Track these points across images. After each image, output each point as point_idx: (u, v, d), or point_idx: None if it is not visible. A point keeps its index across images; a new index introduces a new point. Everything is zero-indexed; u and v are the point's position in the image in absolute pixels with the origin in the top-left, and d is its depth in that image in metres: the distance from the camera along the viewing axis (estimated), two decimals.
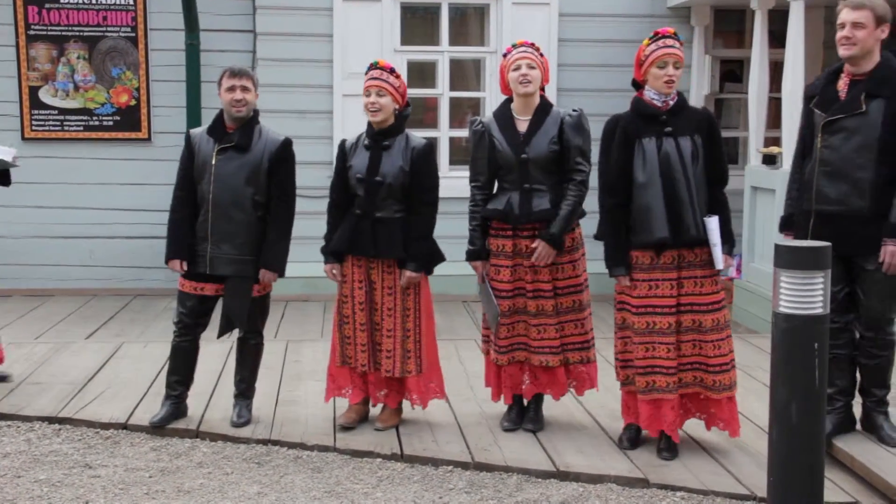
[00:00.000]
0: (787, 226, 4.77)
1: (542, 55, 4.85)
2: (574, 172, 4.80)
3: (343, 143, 5.05)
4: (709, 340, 4.51)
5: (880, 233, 4.37)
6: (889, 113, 4.32)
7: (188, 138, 5.08)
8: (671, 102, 4.53)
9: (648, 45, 4.55)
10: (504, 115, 4.91)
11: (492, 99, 8.77)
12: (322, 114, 8.67)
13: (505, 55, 4.88)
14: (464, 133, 9.00)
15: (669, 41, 4.51)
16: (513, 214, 4.81)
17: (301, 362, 6.29)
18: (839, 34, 4.41)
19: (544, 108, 4.85)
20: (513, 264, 4.87)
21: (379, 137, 4.89)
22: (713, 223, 4.48)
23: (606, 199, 4.67)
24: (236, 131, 4.95)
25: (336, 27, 8.65)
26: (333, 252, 4.96)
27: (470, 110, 9.11)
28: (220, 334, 5.08)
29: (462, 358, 6.40)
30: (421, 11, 9.09)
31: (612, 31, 8.87)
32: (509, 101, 4.93)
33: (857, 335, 4.59)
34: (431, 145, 4.99)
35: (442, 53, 8.86)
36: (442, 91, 8.90)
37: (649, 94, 4.56)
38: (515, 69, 4.78)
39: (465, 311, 8.33)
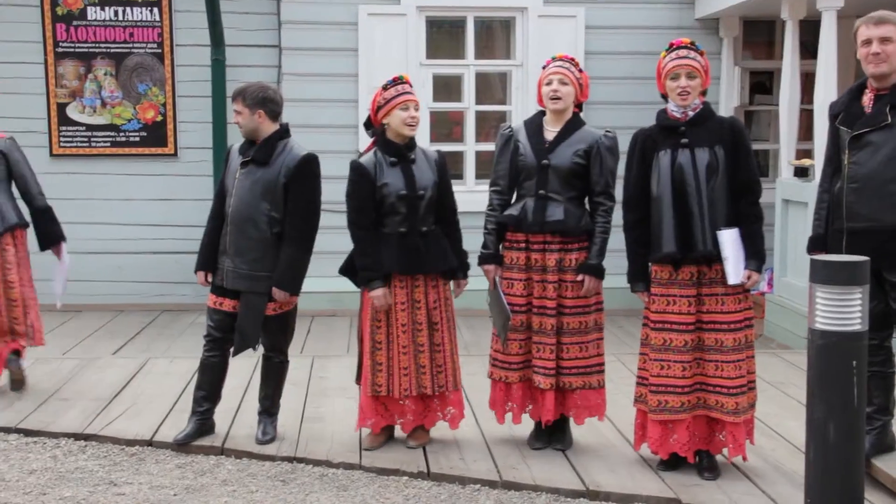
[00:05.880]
0: (815, 246, 4.65)
1: (580, 71, 4.81)
2: (604, 196, 4.76)
3: (360, 165, 4.82)
4: (730, 361, 4.38)
5: None
6: None
7: (227, 152, 5.12)
8: (691, 113, 4.45)
9: (664, 57, 4.49)
10: (534, 123, 4.87)
11: (518, 112, 8.73)
12: (347, 128, 8.65)
13: (544, 67, 4.83)
14: (489, 147, 8.96)
15: (683, 52, 4.43)
16: (526, 221, 4.75)
17: (327, 378, 6.24)
18: (865, 50, 4.29)
19: (575, 123, 4.80)
20: (525, 277, 4.80)
21: (406, 152, 4.85)
22: (726, 236, 4.36)
23: (626, 214, 4.61)
24: (259, 146, 4.94)
25: (361, 41, 8.64)
26: (385, 275, 4.78)
27: (496, 123, 9.06)
28: (235, 352, 5.00)
29: None
30: (446, 25, 9.07)
31: (639, 44, 8.79)
32: (543, 112, 4.89)
33: None
34: (444, 154, 5.03)
35: (468, 67, 8.83)
36: (468, 105, 8.86)
37: (670, 106, 4.50)
38: (548, 84, 4.74)
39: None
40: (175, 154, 8.89)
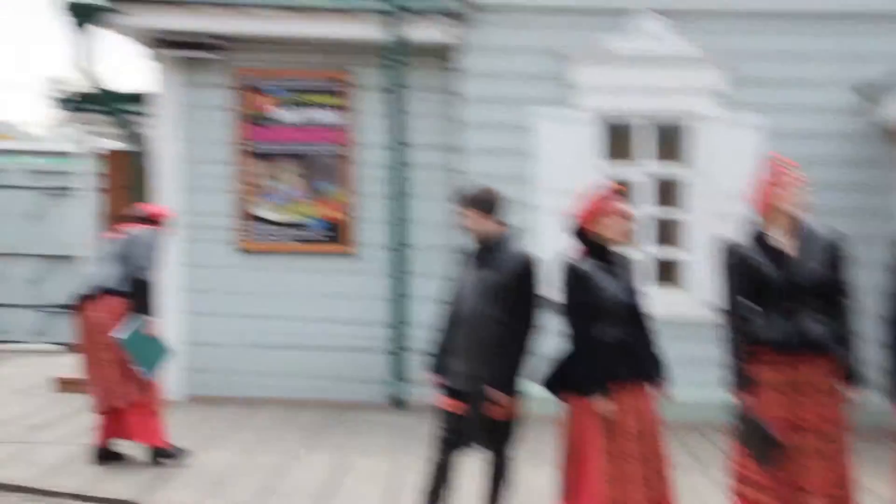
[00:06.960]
0: None
1: None
2: (843, 296, 4.67)
3: (585, 270, 4.80)
4: None
5: None
6: None
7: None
8: None
9: None
10: (759, 236, 4.74)
11: (693, 219, 8.66)
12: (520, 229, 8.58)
13: (772, 171, 4.72)
14: (667, 252, 8.89)
15: None
16: (784, 340, 4.62)
17: (536, 485, 6.09)
18: None
19: (807, 228, 4.70)
20: (789, 398, 4.62)
21: (610, 258, 4.86)
22: None
23: (892, 328, 4.45)
24: (483, 247, 5.04)
25: (538, 144, 8.71)
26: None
27: (670, 228, 9.00)
28: (458, 448, 4.99)
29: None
30: (622, 128, 9.08)
31: (817, 151, 8.61)
32: (761, 221, 4.75)
33: None
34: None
35: (642, 171, 8.82)
36: (642, 209, 8.81)
37: None
38: (788, 189, 4.64)
39: (702, 440, 7.90)
40: (356, 252, 9.02)
